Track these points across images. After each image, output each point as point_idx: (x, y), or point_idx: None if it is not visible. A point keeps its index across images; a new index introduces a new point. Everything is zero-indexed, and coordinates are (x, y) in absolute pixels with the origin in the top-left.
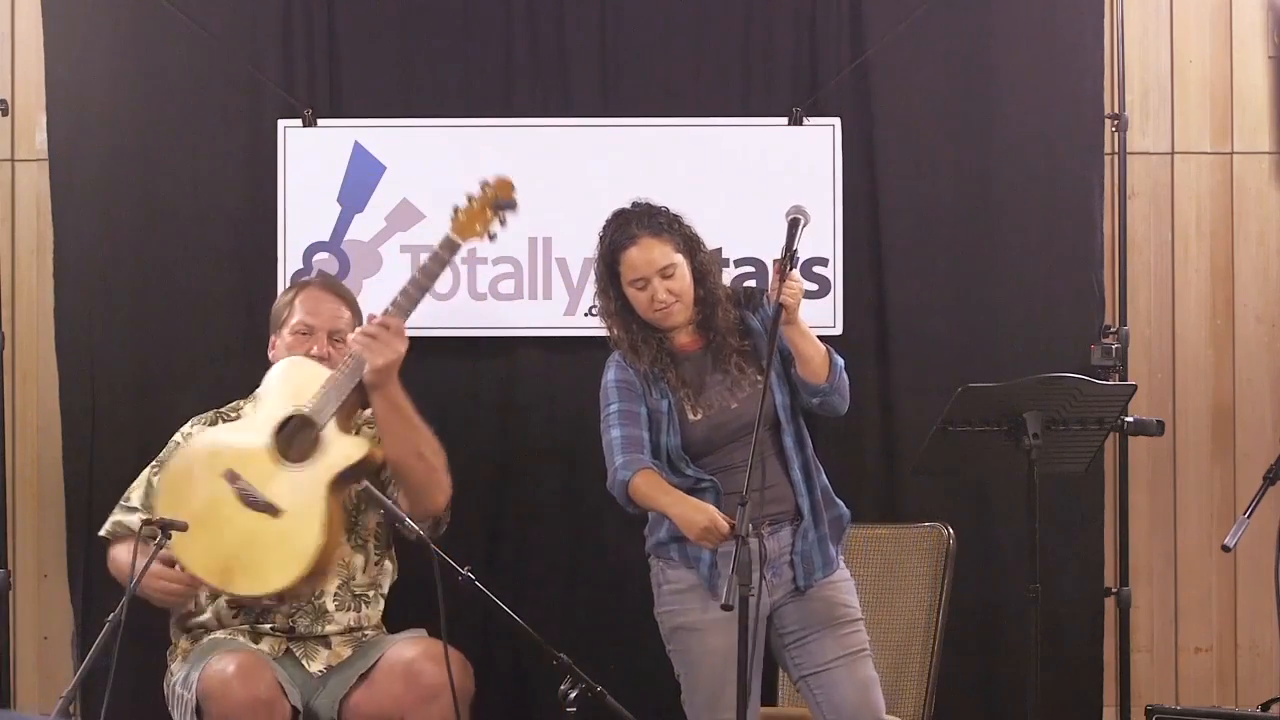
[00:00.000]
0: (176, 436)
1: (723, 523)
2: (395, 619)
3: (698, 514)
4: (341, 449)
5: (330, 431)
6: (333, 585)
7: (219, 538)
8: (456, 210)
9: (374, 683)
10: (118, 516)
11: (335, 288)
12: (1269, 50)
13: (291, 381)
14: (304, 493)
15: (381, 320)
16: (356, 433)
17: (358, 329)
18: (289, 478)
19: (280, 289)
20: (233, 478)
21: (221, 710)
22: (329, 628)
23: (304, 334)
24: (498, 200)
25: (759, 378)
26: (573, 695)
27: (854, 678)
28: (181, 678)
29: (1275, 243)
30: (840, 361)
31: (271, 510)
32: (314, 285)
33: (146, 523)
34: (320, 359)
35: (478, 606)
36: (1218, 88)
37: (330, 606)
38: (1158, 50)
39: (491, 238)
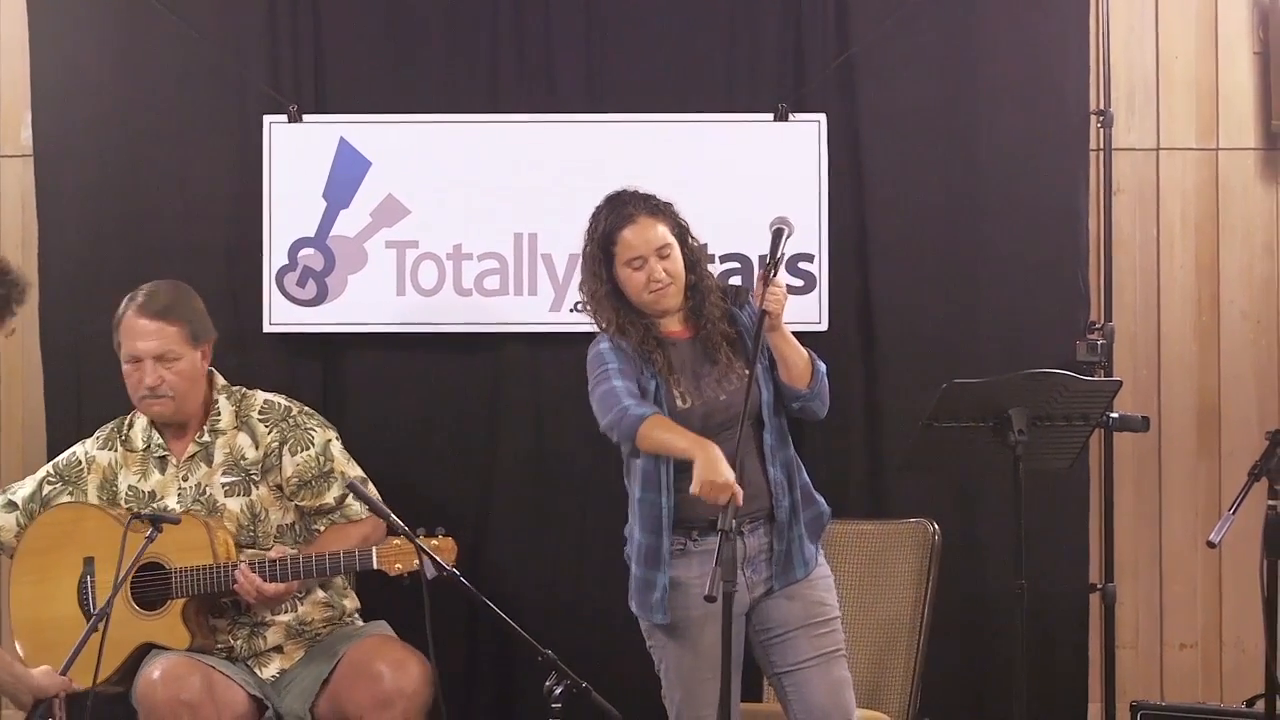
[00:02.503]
0: (79, 452)
1: (737, 487)
2: (382, 614)
3: (723, 467)
4: (167, 629)
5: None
6: None
7: (48, 606)
8: (396, 538)
9: (335, 684)
10: None
11: (154, 307)
12: (1254, 46)
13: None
14: (123, 631)
15: (260, 589)
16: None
17: (240, 578)
18: (128, 612)
19: (267, 284)
20: (88, 570)
21: (147, 714)
22: (270, 635)
23: (134, 363)
24: (424, 562)
25: (746, 371)
26: (558, 691)
27: (827, 678)
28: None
29: (1260, 239)
30: (822, 367)
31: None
32: (130, 312)
33: (136, 516)
34: (153, 387)
35: (464, 602)
36: (1203, 84)
37: (265, 615)
38: (1143, 46)
39: (404, 578)
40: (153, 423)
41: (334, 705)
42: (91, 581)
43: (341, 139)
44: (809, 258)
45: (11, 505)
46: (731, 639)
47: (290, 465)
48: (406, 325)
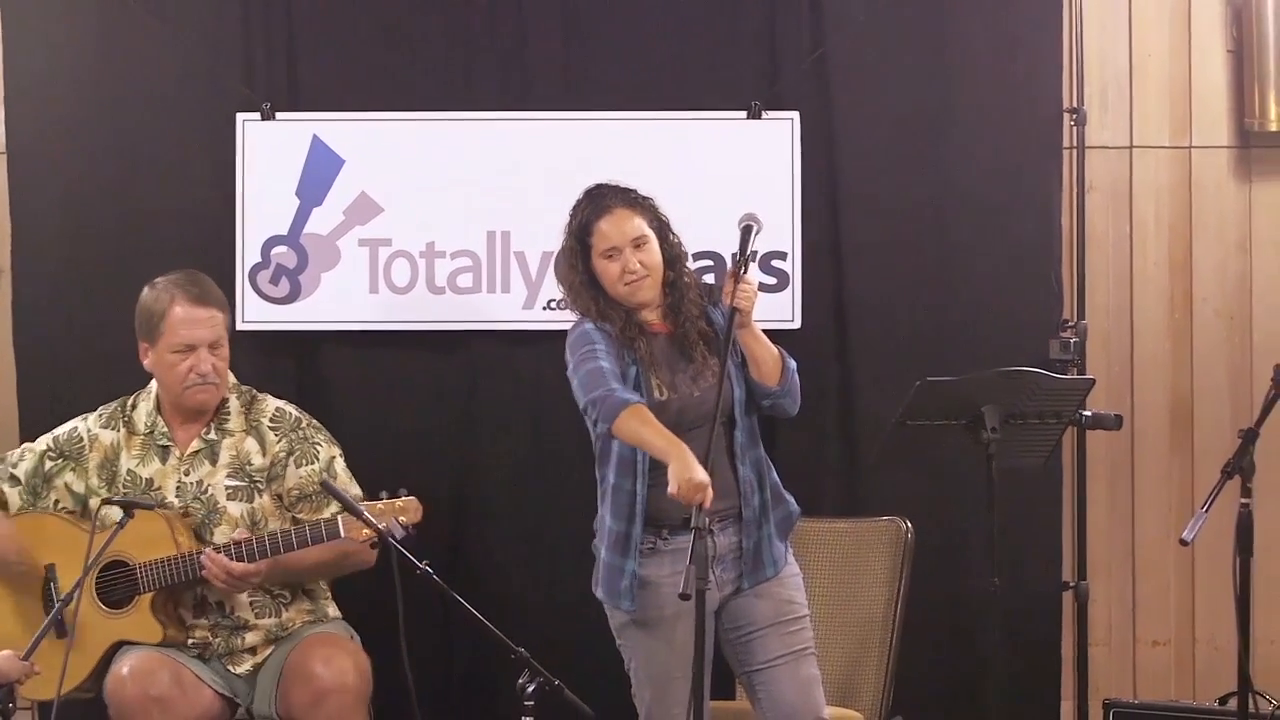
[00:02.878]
0: (80, 428)
1: (704, 483)
2: (360, 621)
3: (698, 469)
4: (137, 625)
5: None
6: (244, 596)
7: (14, 619)
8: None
9: (282, 685)
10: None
11: (206, 297)
12: (1227, 45)
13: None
14: (93, 634)
15: (229, 569)
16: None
17: (208, 561)
18: (96, 614)
19: (240, 281)
20: (50, 577)
21: (117, 710)
22: (249, 637)
23: (185, 352)
24: (390, 523)
25: (719, 365)
26: (530, 689)
27: (796, 676)
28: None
29: (1234, 237)
30: (792, 365)
31: (61, 630)
32: (186, 300)
33: (106, 501)
34: (205, 374)
35: (439, 600)
36: (1176, 82)
37: (250, 617)
38: (1116, 44)
39: (372, 546)
40: (159, 408)
41: (286, 704)
42: (55, 588)
43: (315, 137)
44: (782, 256)
45: (14, 480)
46: (704, 637)
47: (293, 477)
48: (380, 323)
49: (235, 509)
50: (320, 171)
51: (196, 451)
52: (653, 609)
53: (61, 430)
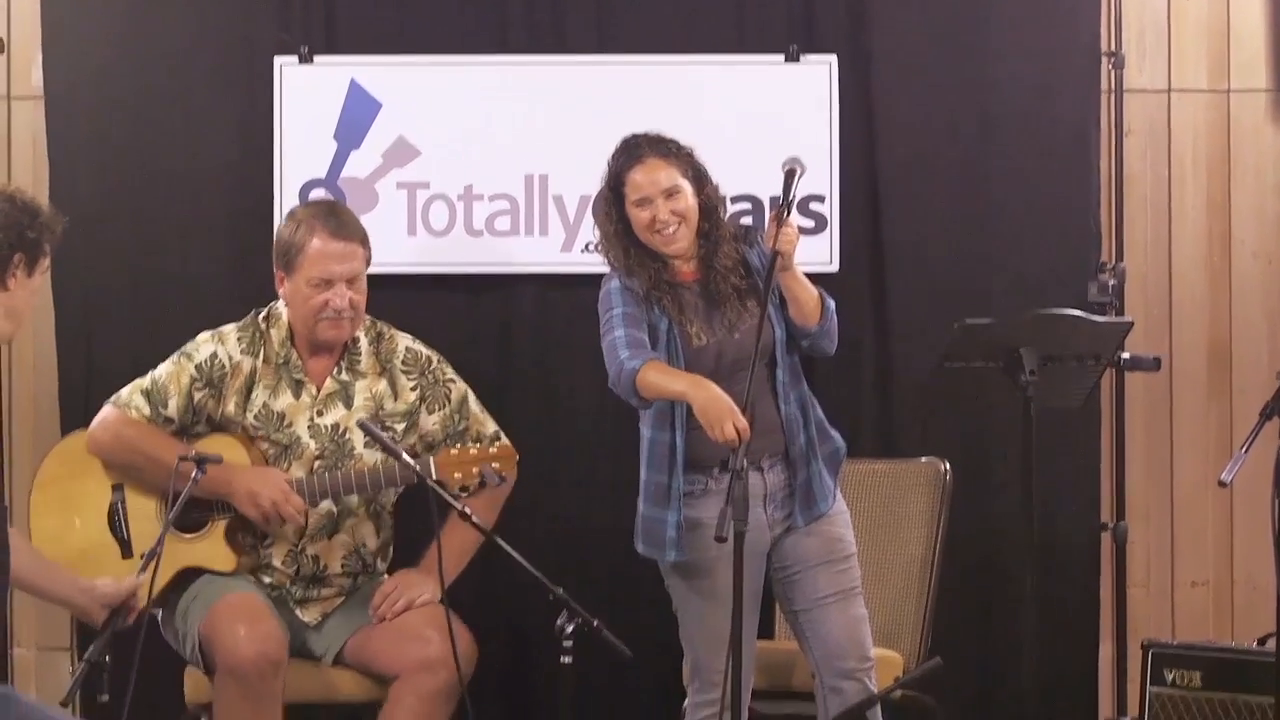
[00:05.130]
0: (221, 354)
1: (741, 419)
2: (398, 553)
3: (722, 400)
4: (210, 552)
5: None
6: (338, 555)
7: (78, 536)
8: (453, 448)
9: (375, 639)
10: (139, 401)
11: (347, 231)
12: None
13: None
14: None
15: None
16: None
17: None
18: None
19: (277, 226)
20: (117, 497)
21: (229, 664)
22: (325, 591)
23: (322, 286)
24: (484, 470)
25: (757, 311)
26: (569, 629)
27: (844, 615)
28: (181, 611)
29: (1272, 179)
30: (831, 305)
31: (128, 551)
32: (326, 233)
33: (182, 459)
34: (341, 309)
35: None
36: (1214, 25)
37: (337, 568)
38: None
39: (463, 490)
40: (291, 337)
41: (366, 656)
42: (123, 509)
43: (352, 80)
44: (820, 199)
45: (169, 421)
46: (744, 578)
47: (429, 422)
48: (417, 266)
49: (371, 457)
50: (358, 115)
51: (331, 393)
52: (700, 550)
53: (200, 354)
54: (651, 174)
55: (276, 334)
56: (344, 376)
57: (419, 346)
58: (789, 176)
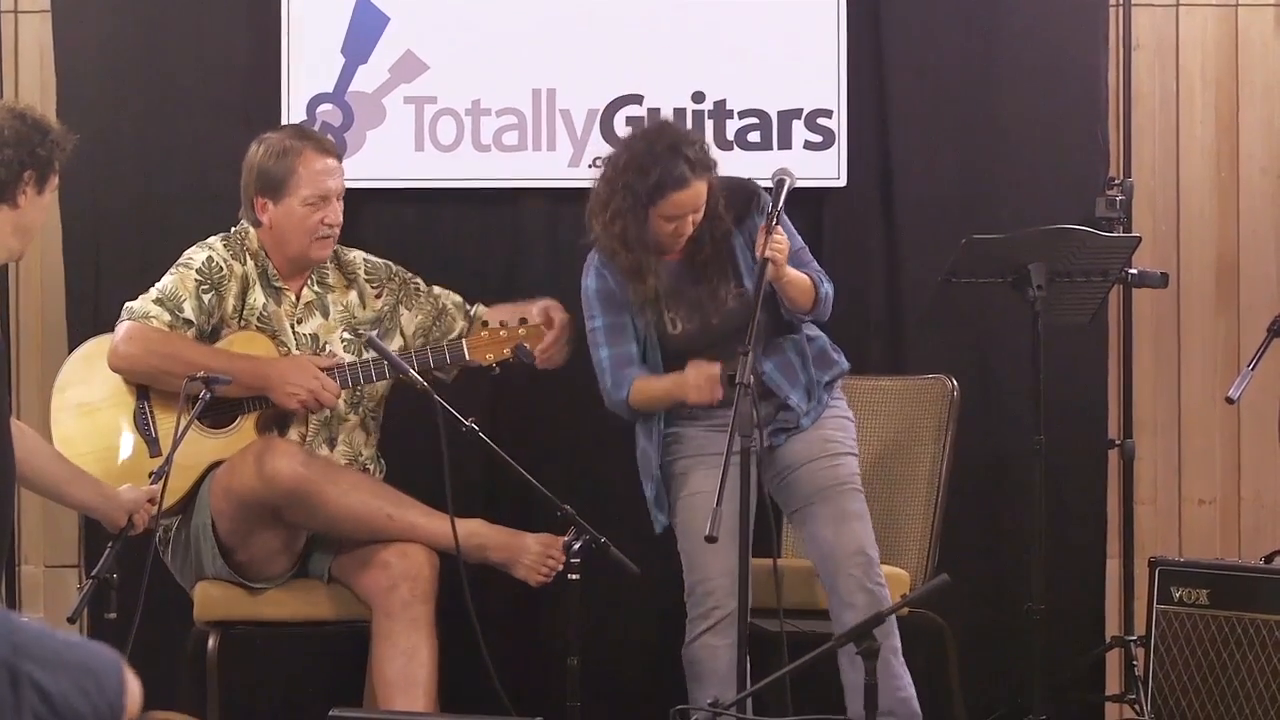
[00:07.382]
0: (215, 257)
1: (711, 368)
2: (402, 472)
3: (690, 373)
4: (242, 444)
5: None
6: (341, 464)
7: (103, 438)
8: (484, 326)
9: (346, 565)
10: (155, 310)
11: (330, 147)
12: None
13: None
14: (191, 454)
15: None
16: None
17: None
18: (194, 432)
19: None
20: (142, 398)
21: (295, 483)
22: None
23: (318, 203)
24: (520, 346)
25: (735, 291)
26: (576, 546)
27: (830, 510)
28: (199, 521)
29: None
30: (827, 291)
31: (155, 450)
32: (317, 151)
33: (190, 379)
34: (333, 225)
35: (482, 456)
36: None
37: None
38: None
39: (495, 369)
40: (263, 248)
41: (351, 574)
42: (150, 409)
43: None
44: (828, 114)
45: (189, 323)
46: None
47: (411, 322)
48: (425, 181)
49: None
50: (365, 29)
51: (309, 302)
52: (680, 457)
53: (196, 260)
54: (694, 199)
55: (251, 242)
56: (317, 289)
57: (374, 259)
58: (778, 186)
